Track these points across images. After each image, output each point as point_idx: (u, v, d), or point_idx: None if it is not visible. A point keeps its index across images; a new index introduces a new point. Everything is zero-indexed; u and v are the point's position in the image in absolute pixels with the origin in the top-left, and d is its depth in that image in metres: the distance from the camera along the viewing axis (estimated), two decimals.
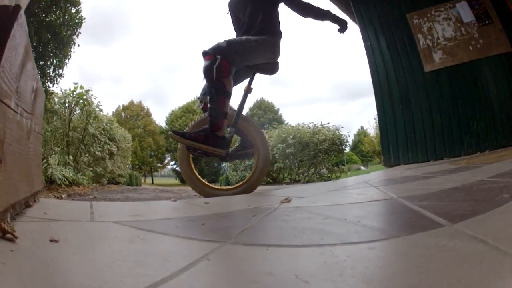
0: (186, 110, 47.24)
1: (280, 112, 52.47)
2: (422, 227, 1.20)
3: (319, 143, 10.31)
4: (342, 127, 11.16)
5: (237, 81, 3.67)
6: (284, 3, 3.75)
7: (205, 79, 3.31)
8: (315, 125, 11.32)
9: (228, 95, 3.31)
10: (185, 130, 3.57)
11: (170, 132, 3.52)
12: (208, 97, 3.37)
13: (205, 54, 3.24)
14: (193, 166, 3.64)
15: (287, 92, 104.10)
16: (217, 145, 3.36)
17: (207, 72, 3.21)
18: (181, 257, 0.99)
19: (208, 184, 3.75)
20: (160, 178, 54.90)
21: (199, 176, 3.66)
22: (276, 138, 11.03)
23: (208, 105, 3.36)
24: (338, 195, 2.54)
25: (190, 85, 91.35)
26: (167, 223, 1.56)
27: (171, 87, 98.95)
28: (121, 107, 46.75)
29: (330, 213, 1.66)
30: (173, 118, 47.22)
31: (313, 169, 10.55)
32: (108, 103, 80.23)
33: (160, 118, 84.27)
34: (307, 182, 9.66)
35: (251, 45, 3.43)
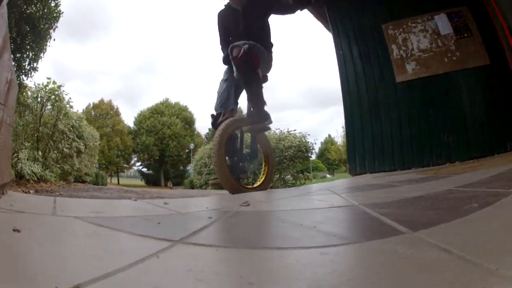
0: (155, 111, 47.17)
1: None
2: (382, 234, 1.16)
3: (285, 149, 10.38)
4: (308, 135, 11.30)
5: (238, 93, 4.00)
6: (275, 13, 4.02)
7: (241, 71, 3.52)
8: (281, 131, 11.42)
9: (261, 79, 3.72)
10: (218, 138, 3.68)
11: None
12: (249, 92, 3.72)
13: (235, 48, 3.47)
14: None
15: None
16: None
17: (245, 63, 3.45)
18: (133, 253, 1.00)
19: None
20: (126, 179, 54.36)
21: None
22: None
23: (253, 97, 3.72)
24: (299, 201, 2.49)
25: (161, 87, 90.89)
26: (124, 221, 1.59)
27: (142, 88, 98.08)
28: (91, 105, 46.17)
29: (287, 218, 1.63)
30: (141, 119, 47.10)
31: (278, 175, 10.52)
32: (79, 100, 79.00)
33: (129, 118, 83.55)
34: (271, 188, 9.63)
35: (264, 54, 3.72)
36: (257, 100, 3.71)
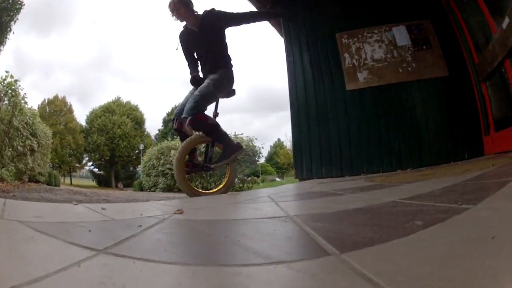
0: (107, 110, 46.60)
1: None
2: (305, 254, 1.13)
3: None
4: (256, 139, 11.37)
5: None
6: (232, 25, 4.32)
7: (196, 129, 4.08)
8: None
9: (217, 124, 4.12)
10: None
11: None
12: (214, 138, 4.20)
13: (185, 119, 3.89)
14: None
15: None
16: None
17: (198, 125, 3.96)
18: (59, 260, 1.03)
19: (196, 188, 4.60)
20: (79, 179, 53.63)
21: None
22: None
23: (219, 140, 4.20)
24: (234, 209, 2.52)
25: (114, 85, 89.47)
26: (60, 227, 1.61)
27: (96, 85, 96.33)
28: (46, 101, 45.00)
29: (215, 229, 1.65)
30: (93, 117, 46.42)
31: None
32: (34, 95, 76.95)
33: (81, 116, 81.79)
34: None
35: (211, 91, 4.03)
36: (222, 139, 4.17)
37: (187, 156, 4.20)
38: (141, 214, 2.10)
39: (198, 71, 4.36)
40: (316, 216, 1.78)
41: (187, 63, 4.40)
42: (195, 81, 4.19)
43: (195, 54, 4.38)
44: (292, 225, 1.54)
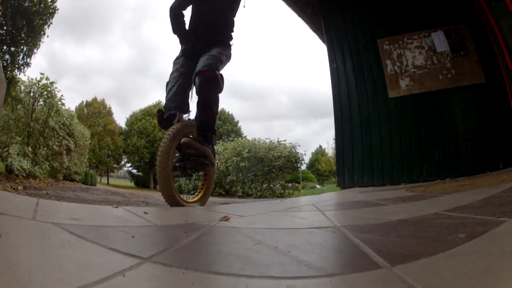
0: (147, 113, 46.69)
1: (239, 125, 52.76)
2: (357, 266, 1.08)
3: (274, 159, 10.36)
4: (298, 145, 11.36)
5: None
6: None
7: (205, 91, 3.20)
8: (271, 141, 11.38)
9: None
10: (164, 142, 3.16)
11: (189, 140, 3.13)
12: (201, 107, 3.30)
13: (206, 71, 3.13)
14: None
15: (248, 106, 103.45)
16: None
17: (213, 84, 3.18)
18: (100, 269, 0.99)
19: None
20: (116, 179, 53.94)
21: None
22: (231, 151, 11.11)
23: (205, 113, 3.32)
24: (280, 217, 2.44)
25: (153, 89, 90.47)
26: (99, 231, 1.55)
27: (135, 89, 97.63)
28: (84, 103, 45.76)
29: (263, 238, 1.57)
30: (133, 120, 46.71)
31: (266, 184, 10.52)
32: (71, 97, 78.95)
33: (120, 118, 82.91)
34: (259, 197, 9.74)
35: (225, 60, 3.47)
36: (210, 125, 3.37)
37: (177, 153, 3.35)
38: (186, 220, 2.06)
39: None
40: (363, 227, 1.79)
41: (177, 24, 3.69)
42: (194, 51, 3.51)
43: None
44: (340, 236, 1.57)
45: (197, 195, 3.71)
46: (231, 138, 12.95)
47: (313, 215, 2.42)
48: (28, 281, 0.84)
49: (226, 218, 2.13)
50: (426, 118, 6.01)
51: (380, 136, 6.27)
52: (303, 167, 35.22)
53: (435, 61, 6.07)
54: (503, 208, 1.72)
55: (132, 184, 47.26)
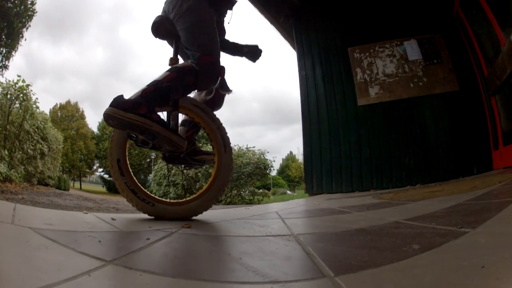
0: None
1: None
2: (301, 275, 1.17)
3: (243, 165, 10.38)
4: (267, 152, 11.38)
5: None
6: None
7: (207, 77, 2.63)
8: (240, 147, 11.43)
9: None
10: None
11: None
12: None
13: (209, 54, 2.64)
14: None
15: (219, 112, 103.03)
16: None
17: (215, 70, 2.67)
18: (70, 269, 1.08)
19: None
20: (88, 184, 53.71)
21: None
22: None
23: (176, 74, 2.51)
24: (241, 225, 2.47)
25: (127, 93, 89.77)
26: (70, 236, 1.65)
27: (109, 92, 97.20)
28: (58, 106, 45.52)
29: (219, 246, 1.73)
30: (105, 124, 45.81)
31: (235, 191, 10.50)
32: (46, 99, 78.13)
33: (93, 122, 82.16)
34: (229, 203, 9.79)
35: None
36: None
37: None
38: (150, 227, 2.11)
39: None
40: (319, 235, 1.84)
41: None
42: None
43: None
44: (294, 244, 1.58)
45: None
46: (200, 144, 12.84)
47: (273, 223, 2.44)
48: (11, 279, 0.94)
49: (188, 226, 2.19)
50: (396, 125, 6.07)
51: (349, 143, 6.30)
52: (274, 173, 35.34)
53: (406, 70, 6.14)
54: (468, 218, 1.68)
55: (104, 189, 46.84)
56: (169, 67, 2.65)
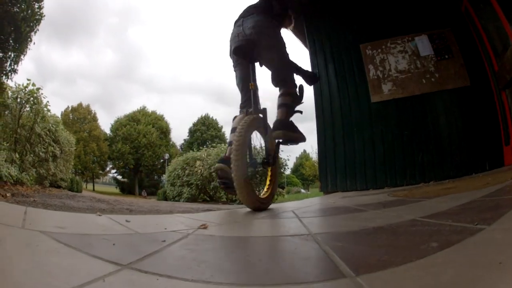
0: (132, 119, 47.00)
1: (223, 130, 53.14)
2: (323, 275, 1.15)
3: (257, 164, 10.14)
4: (282, 151, 11.16)
5: None
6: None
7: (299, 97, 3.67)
8: (254, 146, 11.16)
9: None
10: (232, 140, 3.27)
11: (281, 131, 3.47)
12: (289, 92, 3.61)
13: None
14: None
15: (233, 111, 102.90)
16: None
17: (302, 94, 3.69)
18: (83, 274, 1.06)
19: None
20: (102, 186, 54.03)
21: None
22: (214, 157, 11.04)
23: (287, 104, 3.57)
24: (258, 224, 2.48)
25: (138, 94, 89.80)
26: (83, 239, 1.62)
27: (119, 94, 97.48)
28: (70, 108, 45.92)
29: (237, 247, 1.67)
30: (118, 126, 46.93)
31: None
32: (57, 102, 78.62)
33: (105, 124, 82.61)
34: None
35: None
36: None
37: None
38: (165, 228, 2.11)
39: None
40: (337, 234, 1.82)
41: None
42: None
43: None
44: (312, 244, 1.56)
45: (266, 192, 4.03)
46: (215, 143, 12.85)
47: (290, 222, 2.43)
48: (22, 284, 0.93)
49: (204, 226, 2.17)
50: (409, 122, 6.02)
51: (362, 140, 6.27)
52: (288, 171, 35.22)
53: (418, 65, 6.09)
54: (482, 215, 1.67)
55: (117, 190, 47.13)
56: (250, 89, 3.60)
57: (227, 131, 63.53)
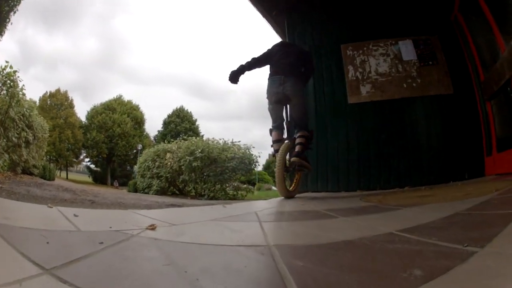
0: (107, 107, 46.59)
1: (197, 123, 53.27)
2: None
3: (227, 160, 10.19)
4: (253, 147, 11.11)
5: None
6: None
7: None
8: (225, 141, 11.21)
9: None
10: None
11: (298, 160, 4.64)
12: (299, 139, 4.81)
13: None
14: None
15: (209, 105, 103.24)
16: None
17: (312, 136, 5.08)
18: (3, 274, 1.02)
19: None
20: (75, 174, 53.44)
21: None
22: (184, 150, 10.81)
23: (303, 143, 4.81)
24: (213, 228, 2.28)
25: (118, 84, 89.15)
26: (21, 233, 1.58)
27: (99, 83, 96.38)
28: (48, 94, 44.83)
29: (179, 257, 1.46)
30: (93, 114, 46.27)
31: (219, 185, 10.34)
32: (39, 88, 77.30)
33: (81, 112, 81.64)
34: (212, 198, 9.59)
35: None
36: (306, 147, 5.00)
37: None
38: (110, 227, 1.96)
39: None
40: (299, 248, 1.57)
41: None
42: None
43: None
44: (268, 260, 1.33)
45: (294, 185, 5.22)
46: (187, 136, 12.65)
47: (249, 227, 2.24)
48: None
49: (152, 227, 2.03)
50: (387, 126, 5.92)
51: (337, 140, 6.14)
52: (259, 168, 35.27)
53: (400, 69, 5.98)
54: (470, 233, 1.46)
55: (90, 179, 46.66)
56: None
57: (202, 124, 63.73)
